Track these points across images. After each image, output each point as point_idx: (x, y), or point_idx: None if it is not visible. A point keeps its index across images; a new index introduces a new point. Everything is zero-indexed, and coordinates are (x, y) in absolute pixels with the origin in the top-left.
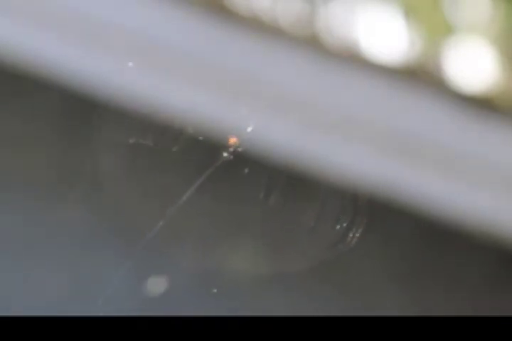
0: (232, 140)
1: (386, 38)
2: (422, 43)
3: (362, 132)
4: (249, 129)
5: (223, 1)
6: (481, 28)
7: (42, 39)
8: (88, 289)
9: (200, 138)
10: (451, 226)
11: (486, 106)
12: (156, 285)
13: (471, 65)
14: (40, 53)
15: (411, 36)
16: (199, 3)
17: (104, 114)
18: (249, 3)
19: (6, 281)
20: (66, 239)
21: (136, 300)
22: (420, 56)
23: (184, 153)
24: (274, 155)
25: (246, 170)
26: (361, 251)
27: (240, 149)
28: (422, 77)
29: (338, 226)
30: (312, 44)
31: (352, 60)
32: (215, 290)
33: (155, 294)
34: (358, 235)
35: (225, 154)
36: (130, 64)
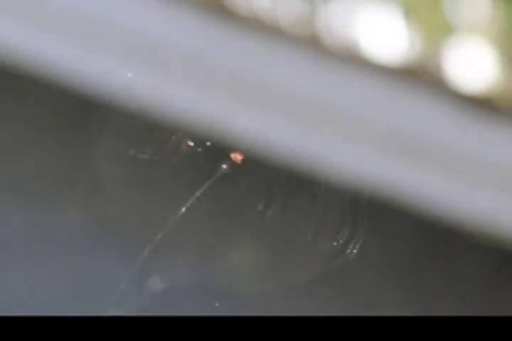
0: (234, 156)
1: (386, 38)
2: (422, 43)
3: (362, 132)
4: (248, 129)
5: (223, 1)
6: (481, 28)
7: (42, 39)
8: (88, 289)
9: (200, 149)
10: (451, 226)
11: (486, 106)
12: (156, 287)
13: (471, 65)
14: (40, 53)
15: (411, 36)
16: (199, 3)
17: (104, 116)
18: (249, 3)
19: (6, 281)
20: (66, 240)
21: (136, 300)
22: (420, 56)
23: (184, 163)
24: (274, 155)
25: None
26: (361, 252)
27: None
28: (422, 77)
29: (338, 237)
30: (312, 44)
31: (352, 60)
32: (217, 304)
33: (155, 296)
34: (360, 239)
35: (224, 166)
36: (133, 62)
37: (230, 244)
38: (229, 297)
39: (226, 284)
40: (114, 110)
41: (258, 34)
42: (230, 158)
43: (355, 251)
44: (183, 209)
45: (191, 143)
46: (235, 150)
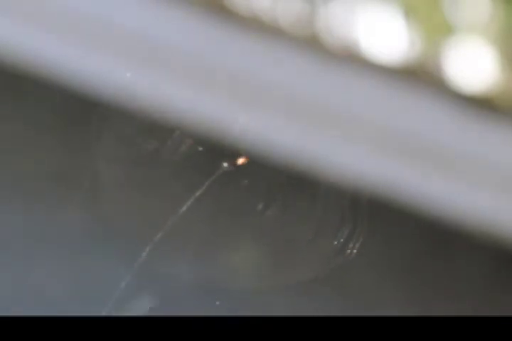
0: (241, 160)
1: (386, 38)
2: (422, 43)
3: (362, 132)
4: (248, 129)
5: (223, 1)
6: (481, 28)
7: (42, 39)
8: (88, 289)
9: (200, 148)
10: (451, 226)
11: (486, 106)
12: (157, 287)
13: (471, 65)
14: (40, 53)
15: (411, 36)
16: (199, 3)
17: (104, 116)
18: (249, 3)
19: (6, 281)
20: (66, 240)
21: (136, 300)
22: (420, 56)
23: (184, 161)
24: (274, 155)
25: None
26: (361, 252)
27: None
28: (422, 77)
29: (338, 237)
30: (312, 44)
31: (352, 60)
32: (218, 303)
33: (155, 296)
34: (360, 239)
35: (225, 164)
36: (133, 62)
37: (231, 243)
38: (229, 297)
39: (226, 283)
40: (114, 110)
41: (258, 34)
42: (230, 157)
43: (355, 250)
44: (184, 209)
45: (192, 142)
46: (241, 154)
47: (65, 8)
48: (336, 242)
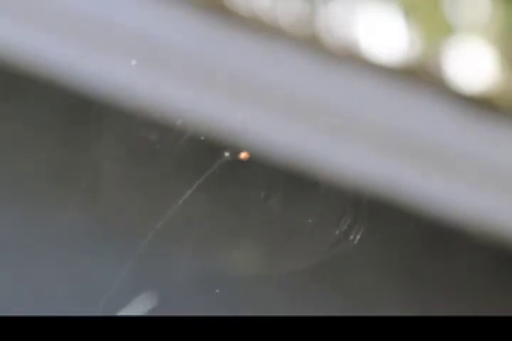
0: (244, 155)
1: (386, 38)
2: (422, 43)
3: (362, 132)
4: (248, 129)
5: (223, 1)
6: (481, 28)
7: (42, 39)
8: (88, 289)
9: (202, 137)
10: (451, 226)
11: (486, 106)
12: (156, 286)
13: (471, 65)
14: (40, 53)
15: (411, 36)
16: (199, 3)
17: (104, 116)
18: (249, 3)
19: (6, 281)
20: (66, 240)
21: (136, 300)
22: (420, 56)
23: (184, 154)
24: (274, 155)
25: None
26: (362, 252)
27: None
28: (422, 77)
29: (339, 227)
30: (312, 44)
31: (352, 60)
32: (218, 290)
33: (155, 295)
34: (358, 236)
35: (226, 154)
36: (133, 62)
37: (232, 233)
38: (229, 295)
39: (226, 271)
40: (114, 109)
41: (258, 34)
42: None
43: (356, 240)
44: (183, 202)
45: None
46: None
47: (65, 8)
48: (337, 231)
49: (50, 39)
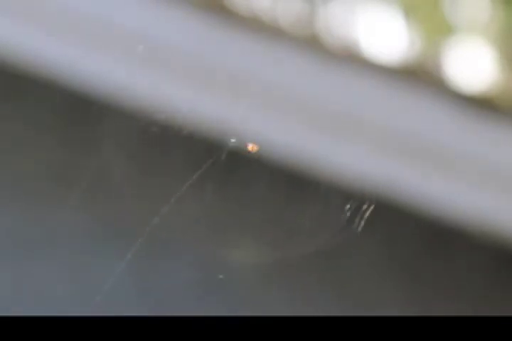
0: (252, 147)
1: (386, 38)
2: (422, 43)
3: (362, 132)
4: (248, 129)
5: (223, 1)
6: (481, 28)
7: (42, 39)
8: (88, 289)
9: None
10: (451, 226)
11: (486, 106)
12: (156, 286)
13: (471, 65)
14: (40, 53)
15: (411, 36)
16: (199, 3)
17: (104, 116)
18: (249, 3)
19: (6, 281)
20: (66, 240)
21: (136, 299)
22: (420, 56)
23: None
24: (274, 155)
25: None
26: (362, 251)
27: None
28: (422, 77)
29: (345, 210)
30: (312, 44)
31: (352, 60)
32: (221, 276)
33: (155, 293)
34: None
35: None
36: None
37: (232, 232)
38: (229, 297)
39: (227, 269)
40: (114, 109)
41: (258, 34)
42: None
43: (362, 222)
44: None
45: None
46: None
47: (65, 8)
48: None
49: (50, 39)
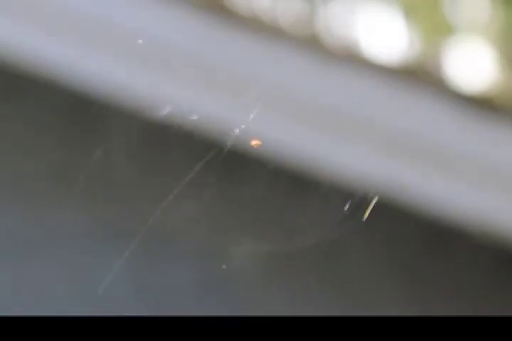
0: (255, 142)
1: (386, 38)
2: (422, 43)
3: (362, 132)
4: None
5: (223, 1)
6: (481, 28)
7: (42, 39)
8: (88, 289)
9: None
10: (451, 226)
11: (486, 106)
12: (156, 285)
13: (471, 65)
14: (40, 53)
15: (411, 36)
16: (199, 3)
17: (104, 115)
18: (249, 3)
19: (6, 281)
20: (66, 240)
21: (136, 299)
22: (420, 56)
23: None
24: (274, 155)
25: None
26: (362, 251)
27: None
28: (422, 77)
29: (343, 215)
30: (312, 44)
31: (352, 60)
32: (224, 266)
33: (155, 293)
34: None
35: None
36: (129, 75)
37: (232, 232)
38: (229, 297)
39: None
40: (114, 109)
41: (258, 34)
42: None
43: (362, 223)
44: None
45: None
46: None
47: (65, 8)
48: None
49: (50, 39)
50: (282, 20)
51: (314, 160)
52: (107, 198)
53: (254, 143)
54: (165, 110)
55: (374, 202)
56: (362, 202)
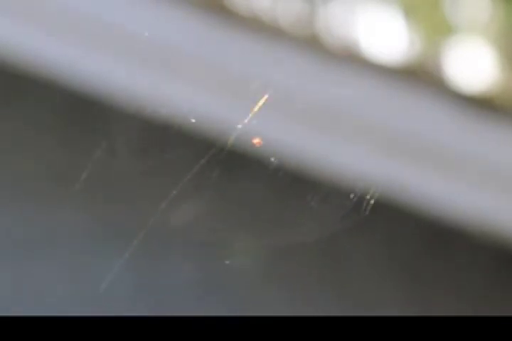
0: (257, 141)
1: (386, 38)
2: (422, 43)
3: (362, 132)
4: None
5: (223, 1)
6: (481, 28)
7: (42, 39)
8: (88, 289)
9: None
10: (451, 226)
11: (486, 106)
12: (156, 285)
13: (471, 65)
14: (40, 53)
15: (411, 36)
16: (199, 3)
17: (104, 115)
18: (249, 3)
19: (6, 281)
20: (66, 240)
21: (136, 299)
22: (420, 56)
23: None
24: (274, 155)
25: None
26: (362, 251)
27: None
28: (422, 77)
29: (343, 215)
30: (312, 44)
31: (352, 60)
32: (227, 262)
33: (155, 295)
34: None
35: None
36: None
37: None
38: (229, 297)
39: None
40: (114, 109)
41: (258, 34)
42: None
43: (362, 223)
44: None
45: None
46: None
47: (65, 8)
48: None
49: (50, 39)
50: (282, 20)
51: (314, 160)
52: (107, 198)
53: (255, 141)
54: (165, 110)
55: (374, 202)
56: (362, 202)
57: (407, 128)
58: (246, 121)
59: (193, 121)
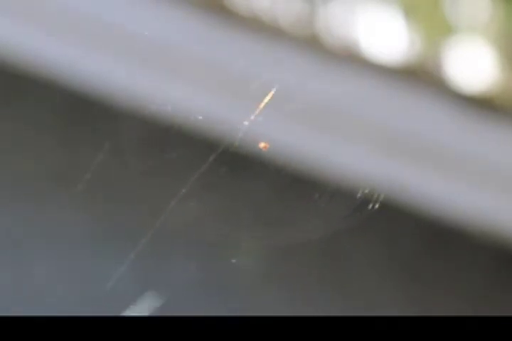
0: (263, 145)
1: (386, 38)
2: (422, 43)
3: (362, 132)
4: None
5: (223, 1)
6: (481, 28)
7: (42, 39)
8: (88, 289)
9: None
10: (451, 226)
11: (486, 106)
12: (157, 286)
13: (471, 65)
14: (40, 53)
15: (411, 36)
16: (199, 3)
17: (104, 115)
18: (249, 3)
19: (6, 281)
20: (66, 240)
21: (136, 300)
22: (420, 56)
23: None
24: (274, 156)
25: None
26: (362, 251)
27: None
28: (422, 77)
29: (343, 215)
30: (312, 44)
31: (352, 60)
32: (234, 260)
33: (155, 295)
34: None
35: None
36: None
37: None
38: (229, 297)
39: (228, 269)
40: (114, 109)
41: (258, 34)
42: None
43: (362, 223)
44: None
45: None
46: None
47: (65, 8)
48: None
49: (50, 39)
50: (282, 20)
51: (314, 160)
52: (107, 198)
53: (262, 145)
54: (165, 110)
55: (374, 202)
56: (362, 201)
57: (407, 128)
58: (246, 121)
59: (194, 121)
